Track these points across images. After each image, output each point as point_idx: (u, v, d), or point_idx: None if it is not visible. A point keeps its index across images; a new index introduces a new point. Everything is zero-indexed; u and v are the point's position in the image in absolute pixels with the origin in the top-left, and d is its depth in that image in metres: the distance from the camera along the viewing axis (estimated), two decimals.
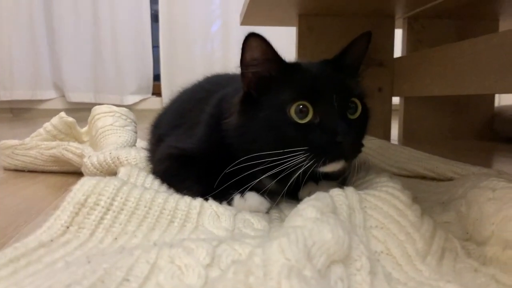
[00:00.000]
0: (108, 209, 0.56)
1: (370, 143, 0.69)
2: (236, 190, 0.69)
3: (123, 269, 0.41)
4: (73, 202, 0.55)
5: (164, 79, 3.43)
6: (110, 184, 0.59)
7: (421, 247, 0.50)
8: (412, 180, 0.96)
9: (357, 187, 0.68)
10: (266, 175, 0.66)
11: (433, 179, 0.98)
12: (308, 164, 0.62)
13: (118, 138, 1.10)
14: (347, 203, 0.57)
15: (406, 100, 1.94)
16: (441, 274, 0.47)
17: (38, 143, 1.13)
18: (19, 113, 3.47)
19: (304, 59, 0.75)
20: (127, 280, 0.40)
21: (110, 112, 1.19)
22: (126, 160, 0.90)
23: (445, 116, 1.94)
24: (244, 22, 1.84)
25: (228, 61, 3.34)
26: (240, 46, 0.65)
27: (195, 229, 0.59)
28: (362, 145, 0.67)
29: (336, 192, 0.59)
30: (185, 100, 0.95)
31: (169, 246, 0.45)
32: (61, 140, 1.21)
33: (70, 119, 1.24)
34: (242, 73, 0.68)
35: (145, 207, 0.59)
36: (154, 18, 3.48)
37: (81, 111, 2.49)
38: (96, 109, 1.21)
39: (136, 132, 1.20)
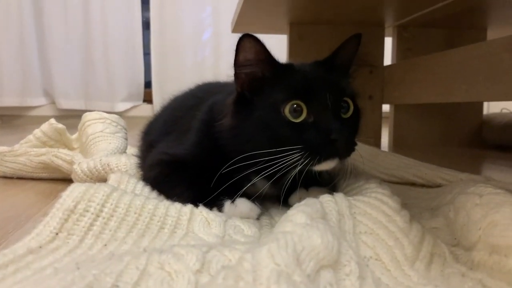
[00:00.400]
0: (98, 216, 0.56)
1: (360, 149, 0.70)
2: (226, 197, 0.69)
3: (113, 275, 0.41)
4: (63, 208, 0.54)
5: (155, 86, 3.41)
6: (100, 190, 0.58)
7: (410, 253, 0.51)
8: (401, 187, 0.97)
9: (347, 193, 0.69)
10: (260, 175, 0.66)
11: (422, 185, 0.99)
12: (304, 163, 0.63)
13: (108, 145, 1.10)
14: (337, 209, 0.58)
15: (396, 107, 1.96)
16: (430, 279, 0.47)
17: (28, 149, 1.12)
18: (9, 120, 3.44)
19: (296, 60, 0.76)
20: (117, 286, 0.40)
21: (100, 118, 1.19)
22: (117, 166, 0.90)
23: (435, 124, 1.96)
24: (236, 29, 1.86)
25: (219, 69, 3.34)
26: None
27: (185, 236, 0.58)
28: (355, 144, 0.68)
29: (326, 198, 0.60)
30: (177, 108, 0.95)
31: (159, 252, 0.45)
32: (51, 146, 1.20)
33: (60, 125, 1.23)
34: (236, 74, 0.68)
35: (135, 213, 0.59)
36: (146, 25, 3.47)
37: (71, 118, 2.47)
38: (87, 116, 1.21)
39: (126, 139, 1.19)
